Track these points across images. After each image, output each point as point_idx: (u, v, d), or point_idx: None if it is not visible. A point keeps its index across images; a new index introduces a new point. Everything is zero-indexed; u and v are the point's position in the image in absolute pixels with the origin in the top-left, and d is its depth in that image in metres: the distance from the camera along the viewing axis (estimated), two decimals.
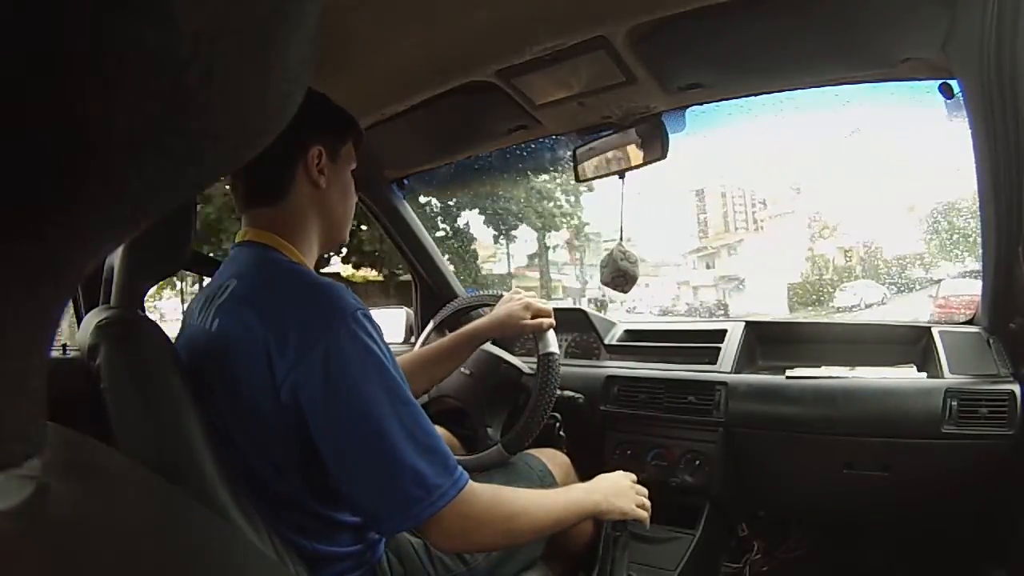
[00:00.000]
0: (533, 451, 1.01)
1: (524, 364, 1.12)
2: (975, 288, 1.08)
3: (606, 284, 1.20)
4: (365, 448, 0.60)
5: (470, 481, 0.64)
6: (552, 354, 1.00)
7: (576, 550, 0.99)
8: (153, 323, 0.69)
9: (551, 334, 1.02)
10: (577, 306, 1.49)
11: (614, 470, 1.19)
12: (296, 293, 0.64)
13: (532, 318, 1.01)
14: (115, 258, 0.74)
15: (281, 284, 0.66)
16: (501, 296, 1.11)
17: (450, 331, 1.24)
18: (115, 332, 0.66)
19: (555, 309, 1.03)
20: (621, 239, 1.20)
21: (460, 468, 0.64)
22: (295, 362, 0.59)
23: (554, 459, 1.01)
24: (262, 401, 0.62)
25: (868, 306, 8.61)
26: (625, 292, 1.22)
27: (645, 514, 0.83)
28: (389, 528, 0.65)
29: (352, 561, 0.70)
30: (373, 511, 0.63)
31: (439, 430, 1.09)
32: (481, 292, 1.26)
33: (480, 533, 0.65)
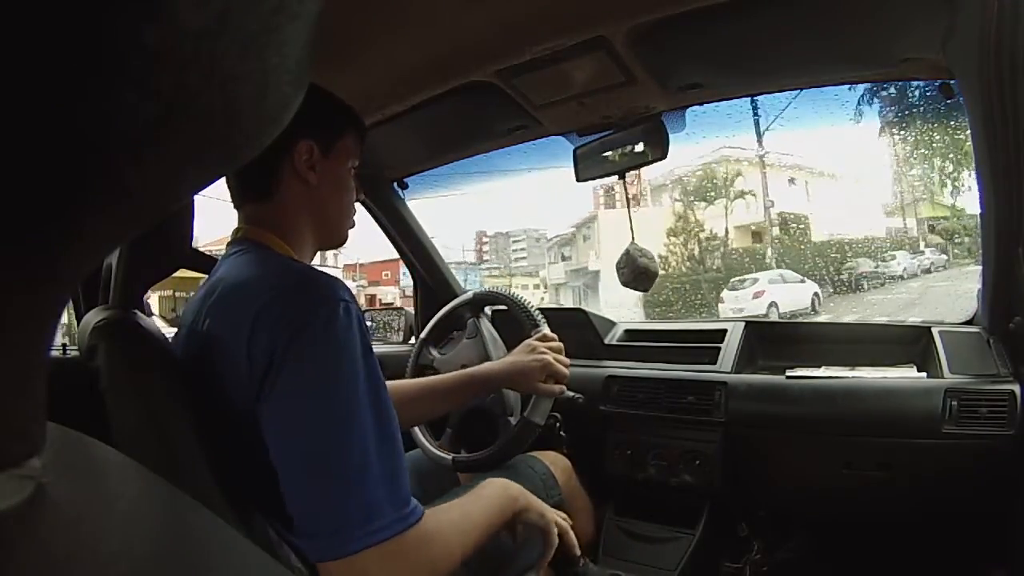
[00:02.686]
0: (535, 453, 1.01)
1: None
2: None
3: (626, 284, 1.19)
4: (313, 439, 0.54)
5: (424, 516, 0.56)
6: (532, 424, 0.96)
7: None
8: (151, 323, 0.70)
9: (547, 403, 0.98)
10: (578, 306, 1.48)
11: (614, 470, 1.21)
12: (283, 281, 0.62)
13: (544, 380, 0.95)
14: (114, 258, 0.74)
15: (269, 276, 0.64)
16: (513, 298, 1.09)
17: (455, 329, 1.24)
18: (113, 333, 0.66)
19: (555, 309, 1.03)
20: (633, 238, 1.20)
21: (415, 502, 0.57)
22: (268, 341, 0.56)
23: (556, 462, 1.01)
24: (245, 392, 0.60)
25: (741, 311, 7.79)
26: (647, 290, 1.21)
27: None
28: (311, 551, 0.55)
29: None
30: (297, 520, 0.55)
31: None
32: (489, 288, 1.25)
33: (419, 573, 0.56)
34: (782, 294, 8.51)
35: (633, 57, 0.93)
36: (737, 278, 9.52)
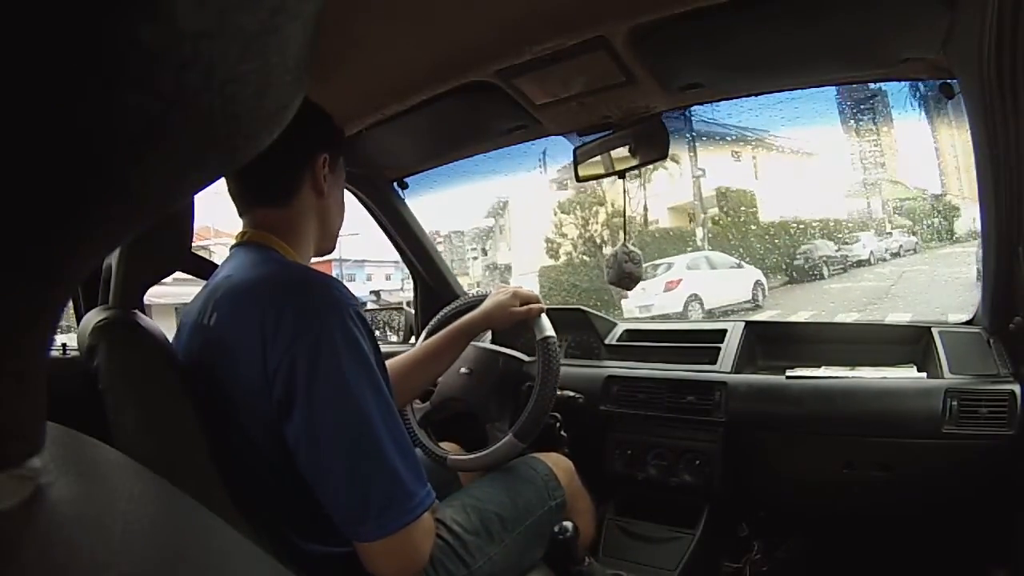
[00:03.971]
0: (537, 454, 1.01)
1: (524, 355, 1.12)
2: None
3: (613, 284, 1.21)
4: (347, 440, 0.59)
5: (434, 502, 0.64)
6: (549, 338, 0.99)
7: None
8: (151, 323, 0.70)
9: (544, 319, 1.01)
10: (578, 306, 1.48)
11: (614, 470, 1.21)
12: (292, 285, 0.64)
13: (521, 305, 1.00)
14: (113, 258, 0.74)
15: (279, 277, 0.66)
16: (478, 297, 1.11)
17: None
18: (113, 333, 0.66)
19: (555, 309, 1.03)
20: (625, 239, 1.20)
21: (428, 485, 0.64)
22: (284, 350, 0.59)
23: (558, 463, 1.00)
24: (258, 394, 0.61)
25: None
26: (630, 289, 1.24)
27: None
28: (360, 534, 0.60)
29: (348, 561, 0.69)
30: (343, 512, 0.60)
31: (448, 445, 1.11)
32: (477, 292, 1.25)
33: (425, 550, 0.64)
34: (708, 284, 6.89)
35: (633, 57, 0.93)
36: (654, 263, 7.50)
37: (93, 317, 0.69)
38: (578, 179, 1.26)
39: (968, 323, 1.12)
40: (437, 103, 1.08)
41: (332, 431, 0.59)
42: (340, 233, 0.85)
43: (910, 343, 1.17)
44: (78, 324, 0.80)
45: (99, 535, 0.17)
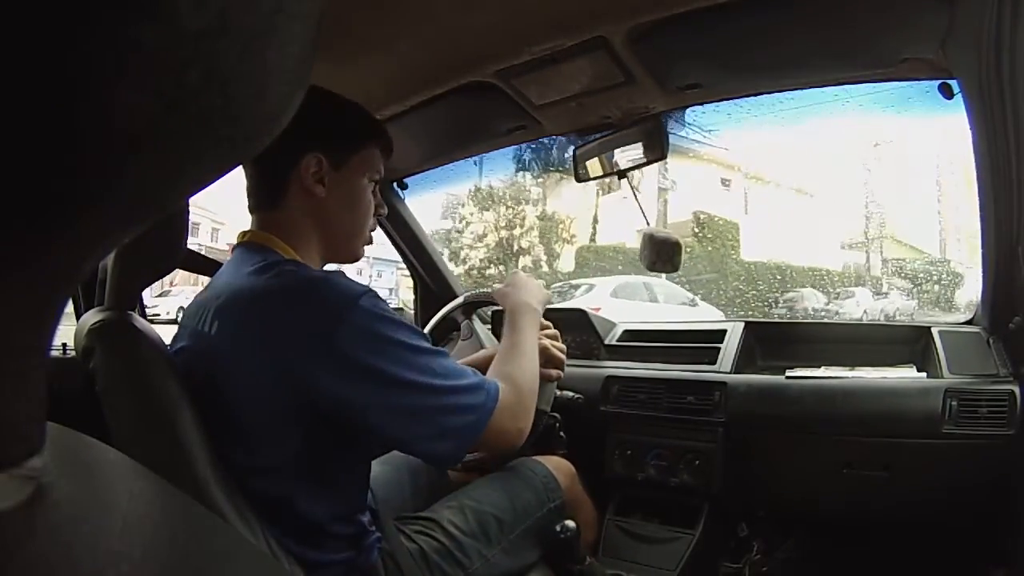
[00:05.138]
0: (537, 457, 1.01)
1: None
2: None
3: (651, 268, 1.21)
4: (412, 406, 0.63)
5: (498, 386, 0.70)
6: (539, 411, 0.88)
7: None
8: (147, 325, 0.69)
9: (550, 388, 0.93)
10: (578, 306, 1.48)
11: (614, 470, 1.21)
12: (297, 291, 0.63)
13: (543, 365, 0.89)
14: (109, 259, 0.73)
15: (281, 284, 0.64)
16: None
17: (453, 329, 1.24)
18: (108, 335, 0.66)
19: (556, 309, 1.02)
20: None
21: (486, 380, 0.70)
22: (317, 361, 0.59)
23: (559, 466, 1.00)
24: (263, 406, 0.62)
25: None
26: (666, 272, 1.24)
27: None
28: (451, 459, 0.69)
29: (344, 567, 0.69)
30: (431, 452, 0.67)
31: None
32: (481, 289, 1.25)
33: (525, 414, 0.74)
34: (637, 319, 4.96)
35: (633, 57, 0.93)
36: (572, 282, 6.47)
37: (89, 319, 0.69)
38: (578, 179, 1.26)
39: (968, 323, 1.12)
40: (437, 103, 1.08)
41: (395, 413, 0.63)
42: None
43: (910, 343, 1.17)
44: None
45: (99, 535, 0.17)
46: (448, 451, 0.66)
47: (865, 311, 7.36)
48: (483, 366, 0.91)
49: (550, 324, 0.98)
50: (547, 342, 0.93)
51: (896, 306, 7.63)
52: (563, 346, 0.94)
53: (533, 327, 0.85)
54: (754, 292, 7.61)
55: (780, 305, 7.44)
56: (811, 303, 7.46)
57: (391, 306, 0.68)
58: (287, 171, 0.71)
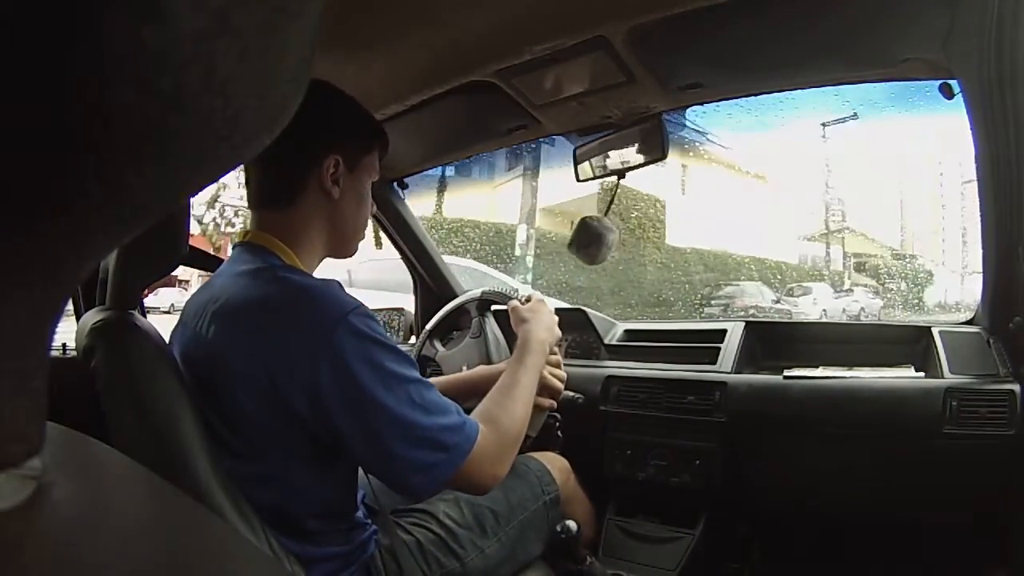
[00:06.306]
0: (533, 454, 1.01)
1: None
2: None
3: (575, 254, 1.18)
4: (387, 435, 0.62)
5: (478, 429, 0.67)
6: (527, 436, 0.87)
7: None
8: (148, 324, 0.70)
9: (541, 417, 0.92)
10: (578, 306, 1.48)
11: (614, 470, 1.21)
12: (291, 300, 0.63)
13: (539, 393, 0.87)
14: (110, 259, 0.74)
15: (276, 292, 0.64)
16: (513, 295, 1.08)
17: (457, 328, 1.24)
18: (109, 334, 0.66)
19: (556, 309, 1.02)
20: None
21: (467, 421, 0.67)
22: (303, 373, 0.60)
23: (554, 462, 1.00)
24: (258, 411, 0.62)
25: None
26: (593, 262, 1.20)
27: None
28: (422, 494, 0.68)
29: (342, 560, 0.70)
30: (400, 483, 0.65)
31: None
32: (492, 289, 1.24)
33: (501, 461, 0.70)
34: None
35: (633, 57, 0.93)
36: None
37: (90, 318, 0.69)
38: (578, 179, 1.26)
39: (968, 323, 1.12)
40: (437, 103, 1.08)
41: (372, 436, 0.62)
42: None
43: (909, 343, 1.17)
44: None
45: (99, 535, 0.17)
46: (419, 485, 0.64)
47: (824, 310, 6.47)
48: (480, 384, 0.93)
49: (555, 350, 0.94)
50: (547, 371, 0.91)
51: (860, 305, 6.79)
52: (563, 374, 0.93)
53: (537, 367, 0.82)
54: (677, 286, 5.98)
55: (711, 302, 6.18)
56: (754, 300, 6.31)
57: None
58: (308, 172, 0.71)
